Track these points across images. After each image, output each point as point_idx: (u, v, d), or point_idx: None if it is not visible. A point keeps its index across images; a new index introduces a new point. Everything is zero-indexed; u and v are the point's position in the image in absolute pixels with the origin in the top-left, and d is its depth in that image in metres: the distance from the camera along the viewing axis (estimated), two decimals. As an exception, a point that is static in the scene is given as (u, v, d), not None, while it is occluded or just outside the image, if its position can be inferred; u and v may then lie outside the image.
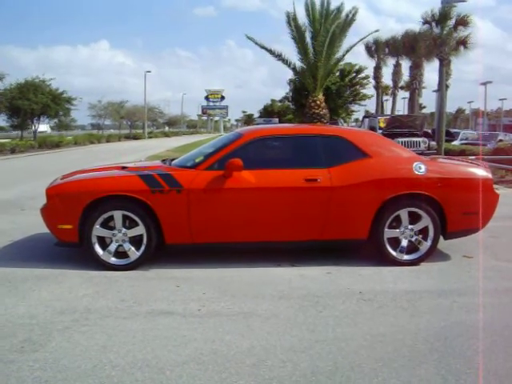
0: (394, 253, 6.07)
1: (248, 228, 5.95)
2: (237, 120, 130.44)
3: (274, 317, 4.47)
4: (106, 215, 5.73)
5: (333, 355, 3.75)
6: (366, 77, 51.90)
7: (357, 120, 71.67)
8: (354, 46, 20.79)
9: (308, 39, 19.20)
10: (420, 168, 6.09)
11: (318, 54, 18.61)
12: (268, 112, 79.14)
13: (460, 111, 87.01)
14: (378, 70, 40.33)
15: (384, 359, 3.70)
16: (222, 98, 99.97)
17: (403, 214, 6.04)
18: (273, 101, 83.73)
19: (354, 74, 52.83)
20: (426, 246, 6.10)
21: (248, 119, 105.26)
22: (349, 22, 19.05)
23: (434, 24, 21.29)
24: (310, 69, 19.29)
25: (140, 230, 5.76)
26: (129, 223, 5.79)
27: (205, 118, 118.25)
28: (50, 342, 3.89)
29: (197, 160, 6.17)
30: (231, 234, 5.96)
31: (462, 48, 22.79)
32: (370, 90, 54.72)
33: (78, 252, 6.16)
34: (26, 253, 6.51)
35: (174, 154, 26.07)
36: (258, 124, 62.33)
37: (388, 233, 6.05)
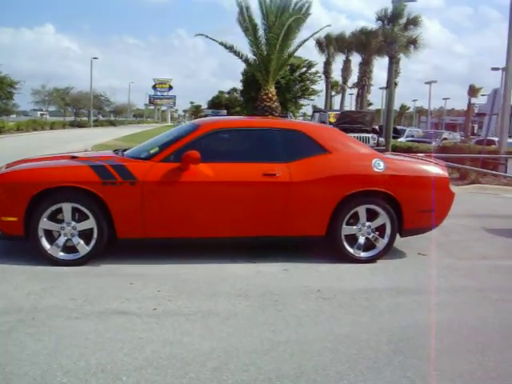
0: (351, 250, 6.02)
1: (204, 223, 5.75)
2: (184, 110, 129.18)
3: (234, 316, 4.30)
4: (54, 207, 5.40)
5: (296, 357, 3.63)
6: (316, 72, 52.27)
7: (304, 114, 72.14)
8: (308, 39, 20.86)
9: (261, 31, 19.06)
10: (379, 165, 6.05)
11: (272, 47, 18.48)
12: (215, 104, 78.72)
13: (405, 108, 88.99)
14: (327, 65, 40.65)
15: (349, 361, 3.61)
16: (170, 87, 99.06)
17: (361, 210, 5.99)
18: (220, 92, 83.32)
19: (305, 69, 53.14)
20: (382, 243, 6.08)
21: (196, 110, 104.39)
22: (303, 15, 19.00)
23: (386, 22, 21.54)
24: (263, 61, 19.12)
25: (90, 223, 5.46)
26: (78, 216, 5.48)
27: (152, 107, 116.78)
28: (-7, 346, 3.59)
29: (152, 151, 5.90)
30: (186, 228, 5.75)
31: (411, 47, 23.16)
32: (319, 85, 55.24)
33: (22, 246, 5.80)
34: (-36, 246, 6.08)
35: (121, 143, 25.53)
36: (206, 115, 61.91)
37: (346, 229, 5.99)
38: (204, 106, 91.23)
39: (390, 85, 22.22)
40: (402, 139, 28.15)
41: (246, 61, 20.21)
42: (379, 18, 21.45)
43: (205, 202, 5.68)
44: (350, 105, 56.85)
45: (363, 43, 30.04)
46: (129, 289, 4.84)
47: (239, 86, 63.38)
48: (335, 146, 6.11)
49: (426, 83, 60.21)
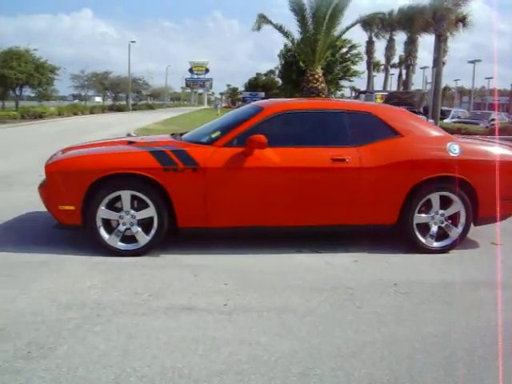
0: (423, 239, 5.64)
1: (268, 211, 5.43)
2: (221, 93, 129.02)
3: (310, 313, 3.98)
4: (112, 195, 5.15)
5: (387, 361, 3.30)
6: (358, 53, 51.05)
7: (342, 95, 70.92)
8: (357, 23, 20.22)
9: (308, 10, 18.46)
10: (454, 149, 5.63)
11: (318, 27, 17.92)
12: (252, 85, 78.02)
13: (448, 89, 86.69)
14: (370, 44, 39.65)
15: (444, 366, 3.27)
16: (207, 70, 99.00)
17: (434, 198, 5.60)
18: (258, 74, 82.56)
19: (346, 50, 52.03)
20: (456, 232, 5.69)
21: (232, 93, 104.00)
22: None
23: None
24: (309, 42, 18.58)
25: (150, 211, 5.20)
26: (138, 204, 5.23)
27: (188, 90, 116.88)
28: (60, 346, 3.33)
29: (213, 135, 5.57)
30: (251, 217, 5.43)
31: (460, 25, 22.23)
32: (360, 66, 54.05)
33: (78, 235, 5.58)
34: (19, 235, 5.88)
35: (162, 126, 25.42)
36: (244, 98, 61.42)
37: (418, 218, 5.60)
38: (241, 88, 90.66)
39: (438, 64, 21.39)
40: (447, 120, 27.24)
41: (293, 41, 19.68)
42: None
43: (270, 189, 5.35)
44: (391, 85, 55.51)
45: (408, 21, 29.02)
46: (194, 282, 4.57)
47: (275, 67, 62.59)
48: (407, 129, 5.69)
49: (470, 62, 58.10)
